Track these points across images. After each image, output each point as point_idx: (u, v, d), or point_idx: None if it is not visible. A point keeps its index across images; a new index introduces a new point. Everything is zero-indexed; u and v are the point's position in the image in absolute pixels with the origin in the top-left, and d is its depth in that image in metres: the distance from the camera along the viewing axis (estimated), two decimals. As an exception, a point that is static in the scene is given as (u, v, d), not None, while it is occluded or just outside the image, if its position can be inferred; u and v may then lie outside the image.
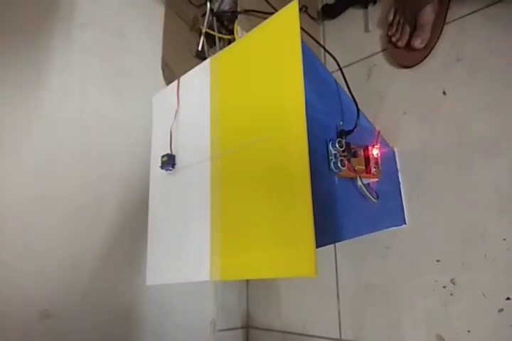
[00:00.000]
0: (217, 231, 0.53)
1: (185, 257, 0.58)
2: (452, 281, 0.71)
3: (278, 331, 0.99)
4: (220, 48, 0.93)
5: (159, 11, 1.04)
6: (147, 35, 1.02)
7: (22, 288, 0.72)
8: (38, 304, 0.73)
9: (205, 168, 0.58)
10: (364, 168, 0.62)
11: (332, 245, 0.91)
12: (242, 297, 1.09)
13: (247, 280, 1.11)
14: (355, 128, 0.58)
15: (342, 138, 0.56)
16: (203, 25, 0.98)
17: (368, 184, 0.66)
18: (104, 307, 0.81)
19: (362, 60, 0.96)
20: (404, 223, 0.79)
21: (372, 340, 0.80)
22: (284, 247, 0.44)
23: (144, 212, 0.71)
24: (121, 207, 0.88)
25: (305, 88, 0.47)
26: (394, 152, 0.83)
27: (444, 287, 0.72)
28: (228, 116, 0.58)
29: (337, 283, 0.89)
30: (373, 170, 0.63)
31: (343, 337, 0.85)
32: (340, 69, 0.63)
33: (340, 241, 0.57)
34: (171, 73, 1.00)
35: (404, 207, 0.80)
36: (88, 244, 0.81)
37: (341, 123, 0.59)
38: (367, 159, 0.63)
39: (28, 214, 0.75)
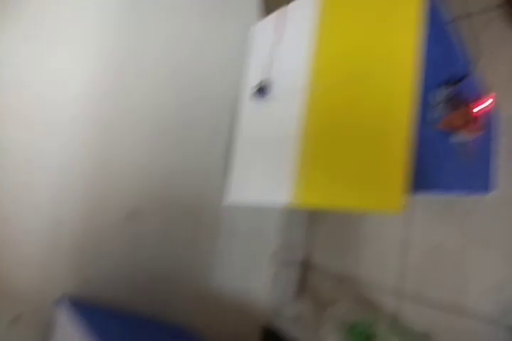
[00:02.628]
0: (307, 157, 0.56)
1: (269, 180, 0.61)
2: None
3: (336, 274, 1.02)
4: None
5: None
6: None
7: (116, 188, 0.85)
8: (130, 202, 0.86)
9: (301, 97, 0.60)
10: (465, 123, 0.60)
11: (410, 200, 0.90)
12: (306, 234, 1.14)
13: (315, 219, 1.13)
14: (464, 77, 0.55)
15: (449, 89, 0.54)
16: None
17: (465, 142, 0.63)
18: (183, 215, 0.93)
19: (476, 14, 0.88)
20: (493, 189, 0.75)
21: (433, 301, 0.81)
22: (374, 178, 0.45)
23: (231, 133, 0.78)
24: (211, 127, 0.97)
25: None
26: (499, 114, 0.78)
27: (523, 258, 0.70)
28: (332, 51, 0.58)
29: (408, 238, 0.89)
30: (474, 126, 0.60)
31: (404, 289, 0.86)
32: (458, 19, 0.59)
33: (427, 192, 0.57)
34: (271, 3, 0.99)
35: (498, 173, 0.76)
36: (179, 160, 0.92)
37: (451, 73, 0.57)
38: (470, 115, 0.60)
39: (126, 125, 0.86)
